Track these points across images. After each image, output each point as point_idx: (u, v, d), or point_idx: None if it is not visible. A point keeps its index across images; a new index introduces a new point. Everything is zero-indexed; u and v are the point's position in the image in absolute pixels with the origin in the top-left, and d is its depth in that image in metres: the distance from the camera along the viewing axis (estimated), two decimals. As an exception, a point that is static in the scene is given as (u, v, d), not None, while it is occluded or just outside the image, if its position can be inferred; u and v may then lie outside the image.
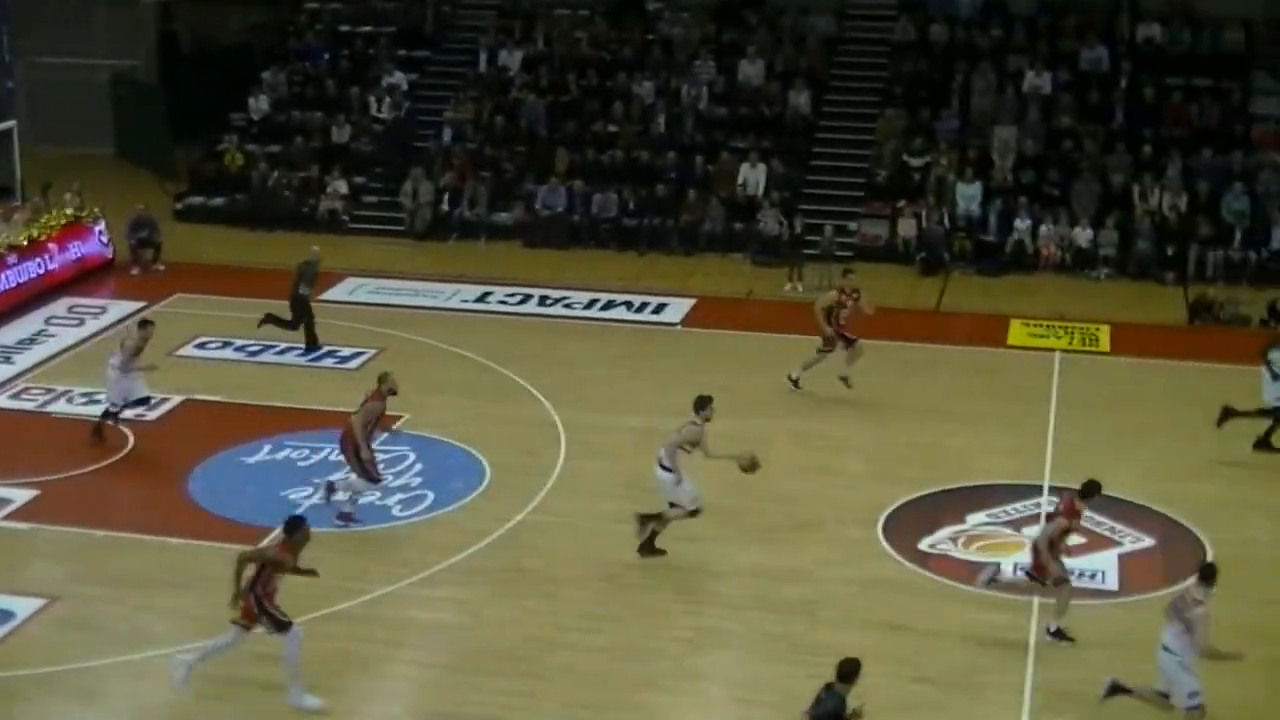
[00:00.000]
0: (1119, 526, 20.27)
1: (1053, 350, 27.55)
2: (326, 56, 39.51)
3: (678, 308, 29.82)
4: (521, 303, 29.91)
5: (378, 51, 39.07)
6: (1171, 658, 14.95)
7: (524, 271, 31.96)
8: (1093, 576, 19.01)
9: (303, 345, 26.64)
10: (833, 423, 23.83)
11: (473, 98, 37.52)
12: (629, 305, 29.81)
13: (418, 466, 21.59)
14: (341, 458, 20.13)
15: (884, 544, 19.74)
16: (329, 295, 29.51)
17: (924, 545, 19.79)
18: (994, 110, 35.79)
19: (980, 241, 33.51)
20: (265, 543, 16.56)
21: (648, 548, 19.13)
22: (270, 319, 26.56)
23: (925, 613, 18.06)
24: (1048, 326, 28.90)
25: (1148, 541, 19.90)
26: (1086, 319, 29.31)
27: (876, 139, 35.73)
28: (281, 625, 15.59)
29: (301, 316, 26.67)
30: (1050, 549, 17.25)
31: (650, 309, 29.73)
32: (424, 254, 33.30)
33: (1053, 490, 21.23)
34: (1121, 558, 19.57)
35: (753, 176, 34.79)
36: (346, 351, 26.63)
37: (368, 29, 40.07)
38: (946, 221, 33.74)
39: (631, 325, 28.85)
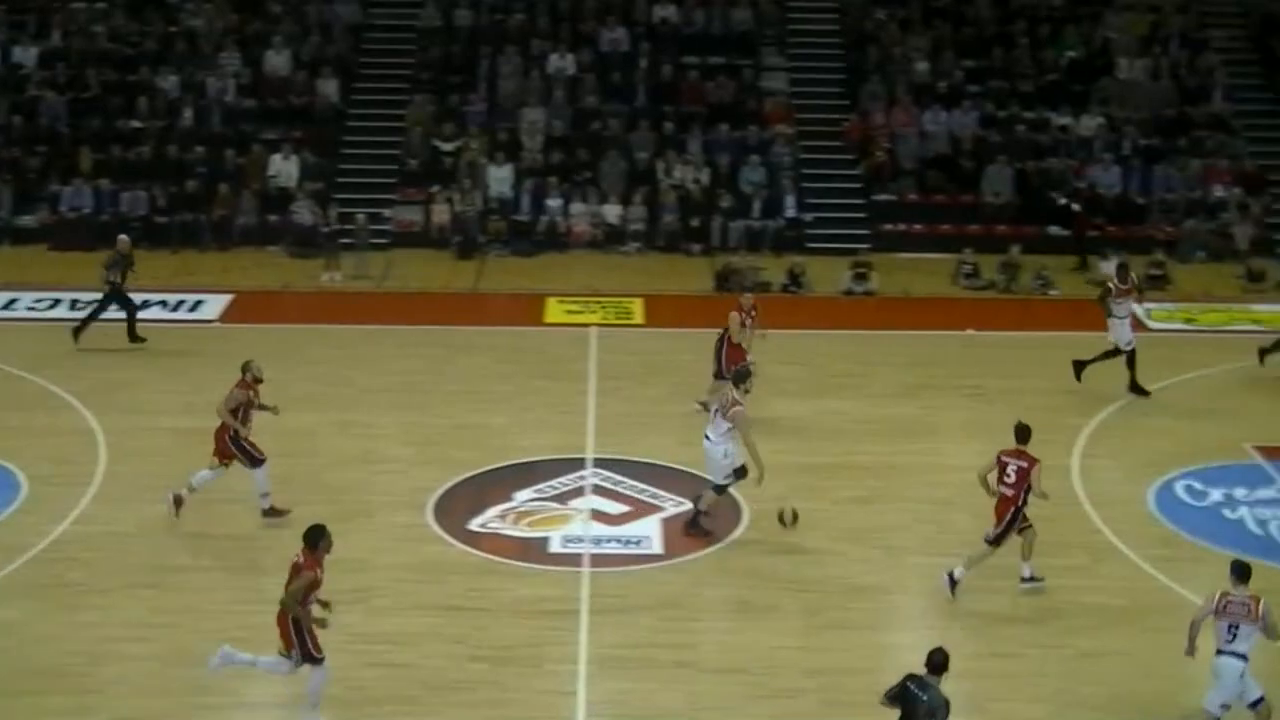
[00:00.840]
0: (660, 492, 21.03)
1: (588, 325, 28.33)
2: None
3: (215, 304, 29.41)
4: (51, 308, 28.97)
5: (-125, 50, 37.10)
6: (1239, 662, 14.78)
7: (52, 275, 30.94)
8: (638, 542, 19.69)
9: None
10: (376, 412, 23.94)
11: (-14, 96, 36.05)
12: (164, 304, 29.20)
13: (-53, 486, 20.76)
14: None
15: (434, 527, 19.99)
16: None
17: (474, 525, 20.08)
18: (521, 93, 36.44)
19: (514, 223, 34.16)
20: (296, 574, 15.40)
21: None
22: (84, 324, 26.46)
23: (479, 591, 18.38)
24: (583, 303, 29.69)
25: (688, 505, 20.64)
26: (619, 293, 30.25)
27: (407, 125, 35.92)
28: (315, 660, 15.33)
29: (108, 304, 26.37)
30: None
31: (187, 307, 29.23)
32: (-58, 263, 31.87)
33: (596, 462, 21.88)
34: (664, 522, 20.26)
35: (285, 168, 34.51)
36: None
37: None
38: (480, 204, 34.23)
39: (168, 324, 28.24)
